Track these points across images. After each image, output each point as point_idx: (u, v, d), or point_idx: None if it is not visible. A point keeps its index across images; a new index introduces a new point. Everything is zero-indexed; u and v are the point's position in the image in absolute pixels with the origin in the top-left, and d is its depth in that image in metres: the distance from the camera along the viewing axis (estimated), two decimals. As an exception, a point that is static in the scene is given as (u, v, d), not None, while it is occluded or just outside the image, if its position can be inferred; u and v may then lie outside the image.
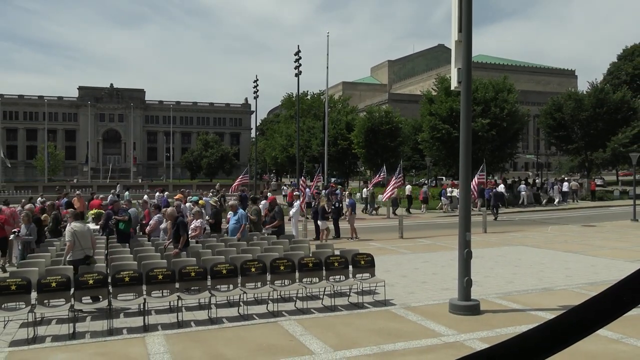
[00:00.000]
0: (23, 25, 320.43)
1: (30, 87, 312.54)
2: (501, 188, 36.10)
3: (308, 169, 53.63)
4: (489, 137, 40.80)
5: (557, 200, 37.60)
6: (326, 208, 19.75)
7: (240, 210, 15.26)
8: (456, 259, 9.95)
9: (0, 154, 69.40)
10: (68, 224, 11.06)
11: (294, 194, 28.42)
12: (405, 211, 32.29)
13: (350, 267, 10.97)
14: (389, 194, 26.94)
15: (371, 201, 32.64)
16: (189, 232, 13.07)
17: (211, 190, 33.46)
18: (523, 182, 40.07)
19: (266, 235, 15.51)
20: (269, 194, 24.56)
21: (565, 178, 46.13)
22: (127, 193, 34.73)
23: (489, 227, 22.97)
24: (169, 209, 13.81)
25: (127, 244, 13.60)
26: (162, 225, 14.63)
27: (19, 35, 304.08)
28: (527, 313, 9.57)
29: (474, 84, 42.25)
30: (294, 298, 10.73)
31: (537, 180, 50.02)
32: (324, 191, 30.49)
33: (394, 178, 25.73)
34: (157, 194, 29.05)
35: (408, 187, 34.59)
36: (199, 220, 14.00)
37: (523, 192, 37.05)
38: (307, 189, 29.83)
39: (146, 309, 9.16)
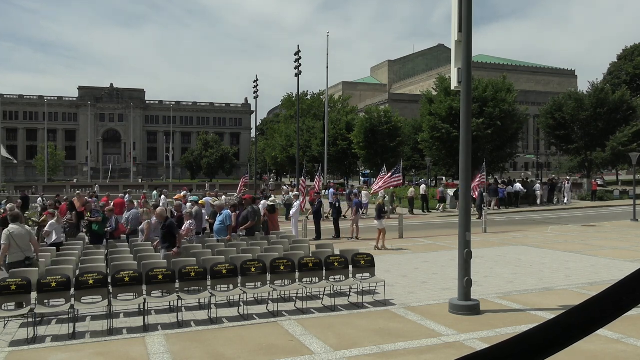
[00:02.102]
0: (23, 25, 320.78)
1: (30, 87, 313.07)
2: (518, 187, 36.63)
3: (308, 169, 53.65)
4: (486, 136, 40.84)
5: (567, 199, 38.33)
6: (383, 208, 18.79)
7: (225, 211, 14.92)
8: (456, 259, 9.95)
9: (3, 152, 69.38)
10: (7, 227, 10.83)
11: (294, 193, 28.39)
12: (422, 211, 32.58)
13: (350, 267, 10.97)
14: (382, 187, 26.84)
15: (390, 201, 32.86)
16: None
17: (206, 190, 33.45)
18: (538, 181, 40.65)
19: (239, 236, 15.19)
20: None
21: (568, 178, 46.45)
22: (154, 193, 33.04)
23: (489, 227, 22.97)
24: (159, 209, 13.72)
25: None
26: (141, 226, 14.39)
27: (19, 35, 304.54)
28: (527, 313, 9.58)
29: (473, 83, 42.35)
30: (294, 298, 10.73)
31: (528, 180, 50.29)
32: (381, 192, 30.63)
33: (391, 174, 25.67)
34: (183, 192, 29.06)
35: (423, 187, 34.69)
36: (188, 222, 13.95)
37: (538, 192, 37.53)
38: (331, 189, 30.05)
39: (146, 309, 9.16)
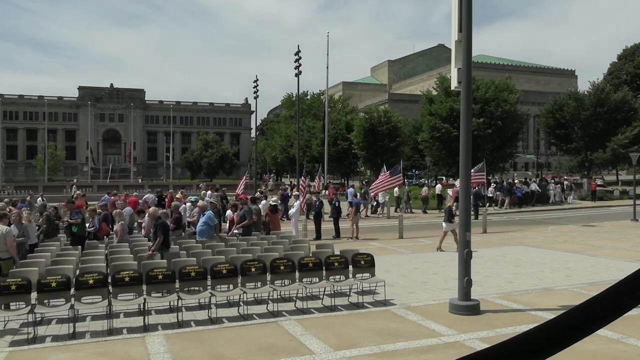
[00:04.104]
0: (23, 25, 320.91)
1: (30, 87, 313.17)
2: (533, 187, 37.51)
3: (308, 169, 53.72)
4: (487, 136, 40.87)
5: (570, 198, 39.26)
6: (454, 210, 18.00)
7: (208, 212, 14.67)
8: (456, 259, 9.95)
9: None
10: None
11: (294, 193, 28.40)
12: (439, 210, 32.71)
13: (350, 267, 10.97)
14: (383, 189, 26.86)
15: (406, 200, 33.29)
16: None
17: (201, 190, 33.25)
18: (552, 181, 41.26)
19: (236, 234, 15.13)
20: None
21: (566, 177, 46.87)
22: (209, 192, 30.94)
23: (489, 227, 22.96)
24: (151, 209, 13.63)
25: (82, 247, 13.29)
26: (115, 228, 14.01)
27: (19, 35, 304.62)
28: (527, 313, 9.57)
29: (476, 83, 42.36)
30: (294, 298, 10.72)
31: (525, 179, 50.63)
32: (448, 196, 30.88)
33: (390, 174, 25.62)
34: (209, 192, 28.87)
35: (438, 187, 34.74)
36: None
37: (551, 191, 38.15)
38: (351, 188, 29.97)
39: (146, 309, 9.16)
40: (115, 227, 14.00)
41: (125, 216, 15.98)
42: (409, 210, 32.91)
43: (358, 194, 30.10)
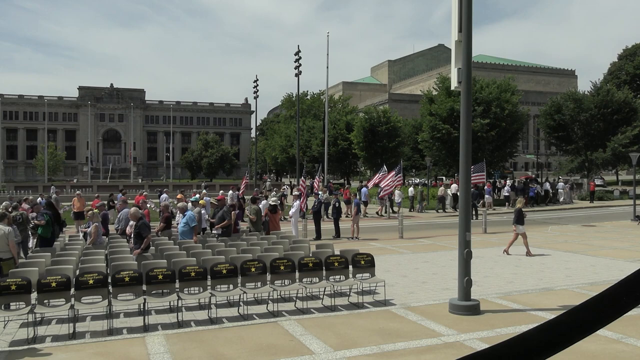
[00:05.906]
0: (23, 25, 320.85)
1: (30, 87, 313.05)
2: (547, 186, 38.13)
3: (308, 169, 53.69)
4: (489, 137, 40.86)
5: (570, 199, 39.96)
6: (523, 211, 17.21)
7: (188, 212, 14.52)
8: (456, 259, 9.95)
9: None
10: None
11: (294, 193, 28.39)
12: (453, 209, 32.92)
13: (350, 267, 10.97)
14: (387, 192, 26.91)
15: (420, 199, 33.64)
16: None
17: (203, 190, 33.22)
18: (562, 181, 41.69)
19: (215, 234, 15.10)
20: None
21: (561, 178, 47.18)
22: (230, 192, 29.63)
23: (489, 227, 22.96)
24: (132, 209, 13.57)
25: (49, 248, 13.16)
26: (89, 229, 13.68)
27: (19, 35, 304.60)
28: (527, 313, 9.58)
29: (478, 83, 42.38)
30: (294, 298, 10.73)
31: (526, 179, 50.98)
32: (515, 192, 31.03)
33: (392, 176, 25.60)
34: (230, 192, 28.71)
35: (454, 187, 34.84)
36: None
37: (561, 190, 38.47)
38: (364, 188, 30.11)
39: (146, 309, 9.16)
40: (89, 229, 13.85)
41: (122, 219, 15.94)
42: (422, 210, 33.15)
43: (395, 191, 30.06)
